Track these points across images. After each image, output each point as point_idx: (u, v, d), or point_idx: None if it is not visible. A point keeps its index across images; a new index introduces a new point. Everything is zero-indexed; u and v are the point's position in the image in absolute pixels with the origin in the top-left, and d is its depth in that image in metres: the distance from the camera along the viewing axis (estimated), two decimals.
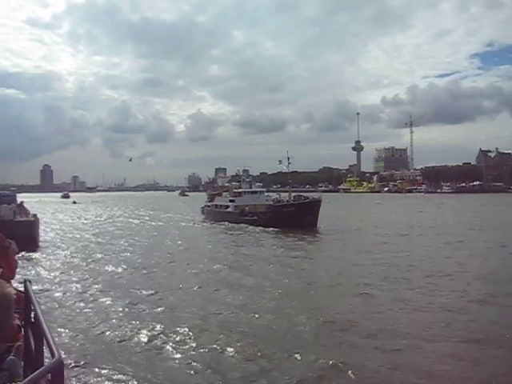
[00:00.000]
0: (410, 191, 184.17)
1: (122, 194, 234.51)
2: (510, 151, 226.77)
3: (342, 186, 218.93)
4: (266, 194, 52.40)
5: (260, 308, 15.12)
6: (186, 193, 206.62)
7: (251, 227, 42.75)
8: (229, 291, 17.75)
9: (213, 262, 24.49)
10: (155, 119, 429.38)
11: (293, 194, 47.07)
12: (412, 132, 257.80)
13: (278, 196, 48.35)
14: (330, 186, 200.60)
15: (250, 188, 52.06)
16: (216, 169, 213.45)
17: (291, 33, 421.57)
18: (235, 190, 52.21)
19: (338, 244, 31.91)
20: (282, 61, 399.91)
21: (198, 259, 25.61)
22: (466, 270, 21.22)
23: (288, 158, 51.20)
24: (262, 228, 41.48)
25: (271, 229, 40.44)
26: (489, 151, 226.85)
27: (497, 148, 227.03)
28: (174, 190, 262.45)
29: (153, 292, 17.77)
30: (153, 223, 52.46)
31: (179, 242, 33.76)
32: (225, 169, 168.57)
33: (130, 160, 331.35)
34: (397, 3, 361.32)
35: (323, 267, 23.09)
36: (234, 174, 77.77)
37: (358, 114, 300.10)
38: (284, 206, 44.00)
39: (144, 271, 22.57)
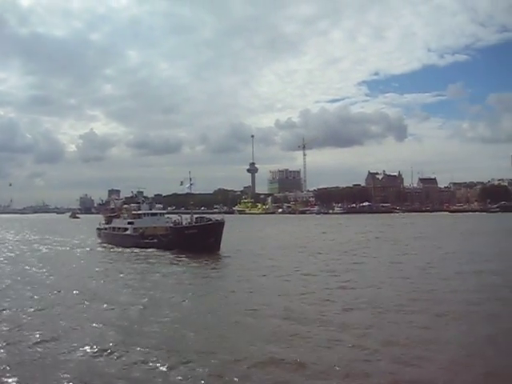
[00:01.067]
0: (303, 212, 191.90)
1: (8, 216, 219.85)
2: (395, 173, 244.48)
3: (236, 208, 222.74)
4: (166, 215, 51.27)
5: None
6: (78, 215, 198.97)
7: (150, 250, 41.52)
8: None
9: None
10: (45, 138, 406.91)
11: (195, 216, 45.87)
12: (305, 155, 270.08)
13: (179, 218, 46.99)
14: (225, 208, 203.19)
15: (150, 210, 50.75)
16: (109, 190, 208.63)
17: (187, 55, 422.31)
18: (134, 212, 50.46)
19: (242, 268, 31.27)
20: (177, 82, 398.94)
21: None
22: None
23: (190, 179, 51.09)
24: (163, 251, 40.57)
25: (172, 252, 39.60)
26: (377, 173, 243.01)
27: (384, 170, 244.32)
28: (64, 212, 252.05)
29: None
30: (41, 248, 49.12)
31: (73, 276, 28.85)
32: (118, 190, 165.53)
33: (10, 185, 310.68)
34: (290, 30, 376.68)
35: (223, 291, 23.01)
36: (128, 195, 76.78)
37: (252, 136, 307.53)
38: (186, 228, 43.14)
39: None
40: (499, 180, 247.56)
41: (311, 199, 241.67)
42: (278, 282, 25.37)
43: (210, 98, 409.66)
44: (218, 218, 44.65)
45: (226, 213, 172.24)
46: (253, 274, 28.43)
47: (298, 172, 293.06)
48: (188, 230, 42.75)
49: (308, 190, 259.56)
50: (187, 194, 62.85)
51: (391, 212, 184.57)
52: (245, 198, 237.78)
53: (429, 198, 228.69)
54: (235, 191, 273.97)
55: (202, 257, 36.32)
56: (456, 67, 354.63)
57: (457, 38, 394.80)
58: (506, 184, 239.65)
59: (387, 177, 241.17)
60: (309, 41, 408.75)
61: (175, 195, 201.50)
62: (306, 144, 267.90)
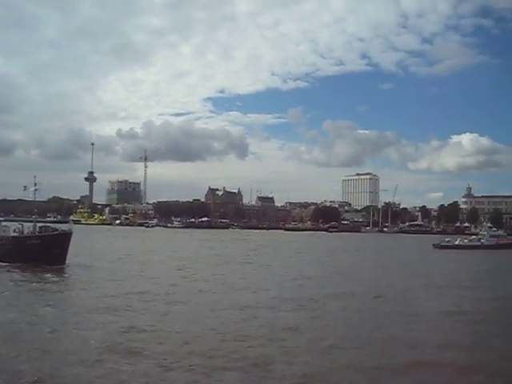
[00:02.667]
0: (141, 225, 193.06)
1: None
2: (235, 190, 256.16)
3: (72, 217, 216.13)
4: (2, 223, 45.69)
5: None
6: None
7: None
8: None
9: None
10: None
11: (38, 225, 43.01)
12: (146, 166, 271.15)
13: (20, 226, 42.79)
14: (60, 217, 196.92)
15: None
16: None
17: (26, 52, 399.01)
18: None
19: (90, 286, 29.77)
20: (13, 80, 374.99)
21: None
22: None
23: (35, 184, 45.72)
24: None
25: (11, 265, 37.03)
26: (217, 189, 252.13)
27: (224, 187, 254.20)
28: None
29: None
30: None
31: None
32: None
33: None
34: (139, 39, 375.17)
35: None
36: None
37: (92, 144, 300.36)
38: (28, 238, 40.17)
39: None
40: (331, 201, 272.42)
41: (150, 212, 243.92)
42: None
43: (50, 101, 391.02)
44: (65, 228, 42.21)
45: (59, 222, 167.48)
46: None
47: (139, 184, 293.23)
48: (30, 240, 39.83)
49: (147, 203, 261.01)
50: (18, 200, 60.25)
51: (229, 227, 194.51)
52: (81, 208, 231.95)
53: (266, 215, 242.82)
54: (71, 200, 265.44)
55: (45, 271, 34.65)
56: (297, 92, 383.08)
57: (299, 65, 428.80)
58: (337, 206, 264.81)
59: (227, 193, 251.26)
60: (157, 52, 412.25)
61: (5, 201, 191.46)
62: (148, 156, 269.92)
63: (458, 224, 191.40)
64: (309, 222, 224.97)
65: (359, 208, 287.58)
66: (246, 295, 26.80)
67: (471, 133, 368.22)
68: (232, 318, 20.40)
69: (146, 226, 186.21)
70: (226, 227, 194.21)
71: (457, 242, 79.11)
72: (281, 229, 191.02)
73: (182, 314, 21.26)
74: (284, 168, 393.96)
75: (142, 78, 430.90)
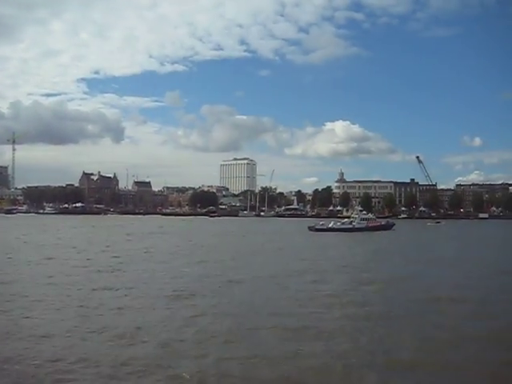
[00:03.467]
0: (10, 211, 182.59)
1: None
2: (111, 175, 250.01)
3: None
4: None
5: None
6: None
7: None
8: None
9: None
10: None
11: None
12: (14, 149, 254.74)
13: None
14: None
15: None
16: None
17: None
18: None
19: None
20: None
21: None
22: None
23: None
24: None
25: None
26: (91, 174, 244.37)
27: (99, 171, 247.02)
28: None
29: None
30: None
31: None
32: None
33: None
34: (7, 13, 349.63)
35: None
36: None
37: None
38: None
39: None
40: (208, 186, 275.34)
41: (19, 198, 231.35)
42: None
43: None
44: None
45: None
46: None
47: (6, 168, 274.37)
48: None
49: (16, 188, 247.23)
50: None
51: (105, 213, 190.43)
52: None
53: (143, 200, 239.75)
54: None
55: None
56: (175, 76, 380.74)
57: (177, 48, 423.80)
58: (215, 190, 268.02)
59: (102, 178, 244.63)
60: (26, 28, 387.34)
61: None
62: (16, 138, 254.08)
63: (331, 208, 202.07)
64: (186, 207, 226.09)
65: (237, 193, 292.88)
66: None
67: (344, 120, 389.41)
68: None
69: (8, 213, 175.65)
70: (100, 213, 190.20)
71: (330, 225, 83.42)
72: (158, 214, 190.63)
73: None
74: (161, 152, 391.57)
75: (8, 55, 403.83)
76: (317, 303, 20.43)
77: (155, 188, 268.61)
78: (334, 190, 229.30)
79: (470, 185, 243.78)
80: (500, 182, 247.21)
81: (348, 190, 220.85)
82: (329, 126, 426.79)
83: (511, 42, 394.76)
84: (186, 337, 14.95)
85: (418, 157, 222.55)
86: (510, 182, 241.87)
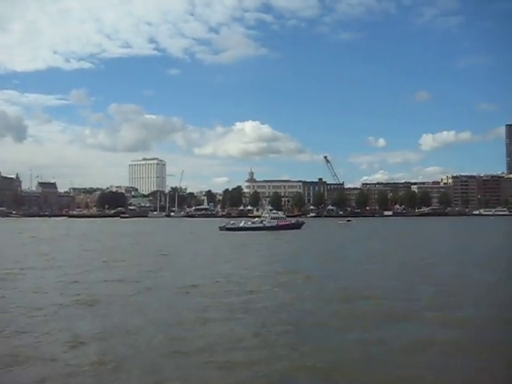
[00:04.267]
0: None
1: None
2: (13, 176, 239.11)
3: None
4: None
5: None
6: None
7: None
8: None
9: None
10: None
11: None
12: None
13: None
14: None
15: None
16: None
17: None
18: None
19: None
20: None
21: None
22: None
23: None
24: None
25: None
26: None
27: (0, 172, 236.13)
28: None
29: None
30: None
31: None
32: None
33: None
34: None
35: None
36: None
37: None
38: None
39: None
40: (117, 187, 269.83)
41: None
42: None
43: None
44: None
45: None
46: None
47: None
48: None
49: None
50: None
51: (7, 216, 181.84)
52: None
53: (48, 202, 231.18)
54: None
55: None
56: (81, 73, 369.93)
57: (83, 45, 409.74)
58: (123, 191, 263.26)
59: (3, 179, 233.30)
60: None
61: None
62: None
63: (241, 207, 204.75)
64: (94, 208, 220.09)
65: (146, 193, 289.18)
66: None
67: (253, 121, 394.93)
68: None
69: None
70: (3, 216, 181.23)
71: (241, 225, 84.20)
72: (64, 216, 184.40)
73: None
74: (67, 152, 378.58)
75: None
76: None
77: (61, 189, 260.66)
78: (245, 190, 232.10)
79: (375, 184, 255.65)
80: (403, 181, 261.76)
81: (258, 190, 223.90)
82: (239, 126, 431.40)
83: (411, 47, 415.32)
84: None
85: (325, 157, 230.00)
86: (412, 181, 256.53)
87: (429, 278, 26.49)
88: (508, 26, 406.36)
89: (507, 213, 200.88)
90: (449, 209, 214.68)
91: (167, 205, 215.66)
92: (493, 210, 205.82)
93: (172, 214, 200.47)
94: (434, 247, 50.11)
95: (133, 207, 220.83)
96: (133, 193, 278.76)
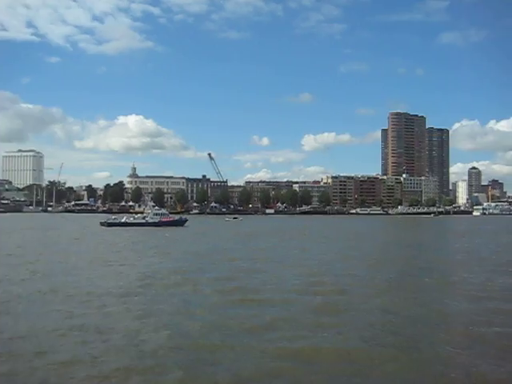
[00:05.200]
0: None
1: None
2: None
3: None
4: None
5: None
6: None
7: None
8: None
9: None
10: None
11: None
12: None
13: None
14: None
15: None
16: None
17: None
18: None
19: None
20: None
21: None
22: None
23: None
24: None
25: None
26: None
27: None
28: None
29: None
30: None
31: None
32: None
33: None
34: None
35: None
36: None
37: None
38: None
39: None
40: None
41: None
42: None
43: None
44: None
45: None
46: None
47: None
48: None
49: None
50: None
51: None
52: None
53: None
54: None
55: None
56: None
57: None
58: None
59: None
60: None
61: None
62: None
63: (123, 203, 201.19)
64: None
65: (21, 187, 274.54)
66: None
67: (137, 115, 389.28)
68: None
69: None
70: None
71: (123, 220, 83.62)
72: None
73: None
74: None
75: None
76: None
77: None
78: (127, 185, 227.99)
79: (258, 182, 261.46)
80: (285, 180, 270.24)
81: (141, 186, 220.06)
82: (122, 119, 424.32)
83: (297, 49, 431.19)
84: None
85: (209, 154, 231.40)
86: (293, 180, 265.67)
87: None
88: (385, 36, 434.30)
89: (381, 212, 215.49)
90: (328, 207, 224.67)
91: (44, 199, 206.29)
92: (368, 209, 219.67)
93: (49, 208, 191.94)
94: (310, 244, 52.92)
95: (6, 201, 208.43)
96: (6, 186, 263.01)
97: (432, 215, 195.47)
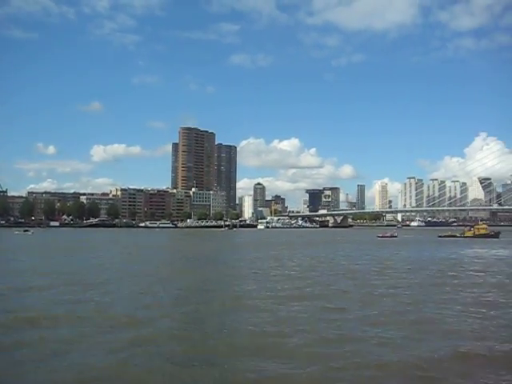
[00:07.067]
0: None
1: None
2: None
3: None
4: None
5: None
6: None
7: None
8: None
9: None
10: None
11: None
12: None
13: None
14: None
15: None
16: None
17: None
18: None
19: None
20: None
21: None
22: None
23: None
24: None
25: None
26: None
27: None
28: None
29: None
30: None
31: None
32: None
33: None
34: None
35: None
36: None
37: None
38: None
39: None
40: None
41: None
42: None
43: None
44: None
45: None
46: None
47: None
48: None
49: None
50: None
51: None
52: None
53: None
54: None
55: None
56: None
57: None
58: None
59: None
60: None
61: None
62: None
63: None
64: None
65: None
66: None
67: None
68: None
69: None
70: None
71: None
72: None
73: None
74: None
75: None
76: None
77: None
78: None
79: (43, 193, 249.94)
80: (72, 191, 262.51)
81: None
82: None
83: (89, 56, 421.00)
84: None
85: None
86: (81, 192, 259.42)
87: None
88: (178, 52, 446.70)
89: (170, 225, 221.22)
90: (117, 220, 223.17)
91: None
92: (158, 222, 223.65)
93: None
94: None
95: None
96: None
97: (226, 228, 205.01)
